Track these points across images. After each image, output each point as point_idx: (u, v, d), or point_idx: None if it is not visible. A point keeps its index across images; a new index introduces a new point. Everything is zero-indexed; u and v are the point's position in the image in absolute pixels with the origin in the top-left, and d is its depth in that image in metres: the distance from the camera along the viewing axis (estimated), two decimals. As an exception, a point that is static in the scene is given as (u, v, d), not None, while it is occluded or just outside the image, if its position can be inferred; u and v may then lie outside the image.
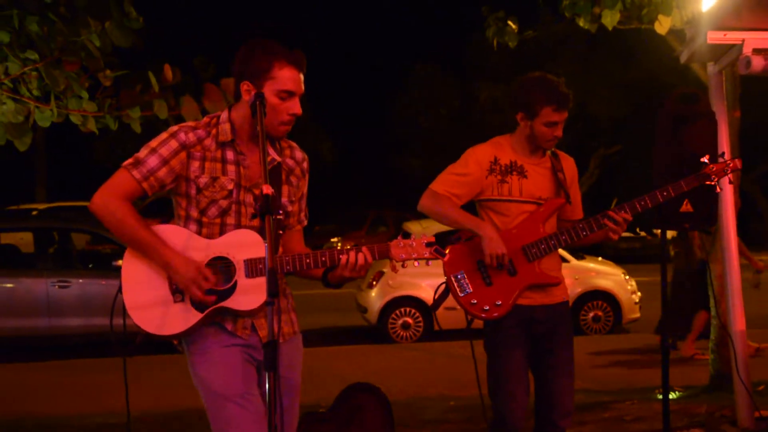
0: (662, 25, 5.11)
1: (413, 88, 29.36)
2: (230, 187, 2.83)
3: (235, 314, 2.81)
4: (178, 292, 2.77)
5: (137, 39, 4.05)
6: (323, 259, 2.81)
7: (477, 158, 3.65)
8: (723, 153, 3.77)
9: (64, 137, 21.08)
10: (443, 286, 3.63)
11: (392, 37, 36.48)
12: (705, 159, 3.62)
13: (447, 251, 2.87)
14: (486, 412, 3.82)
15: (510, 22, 6.25)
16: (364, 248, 2.81)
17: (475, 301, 3.54)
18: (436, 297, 3.66)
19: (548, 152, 3.74)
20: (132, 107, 4.21)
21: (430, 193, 3.65)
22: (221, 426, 2.77)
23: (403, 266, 2.83)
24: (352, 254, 2.79)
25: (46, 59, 3.89)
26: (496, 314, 3.53)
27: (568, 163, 3.81)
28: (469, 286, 3.55)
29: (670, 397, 4.80)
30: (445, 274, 3.59)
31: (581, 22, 5.43)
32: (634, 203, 3.52)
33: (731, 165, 3.63)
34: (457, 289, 3.56)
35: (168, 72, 4.20)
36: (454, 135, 26.22)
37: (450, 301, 3.64)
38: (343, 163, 31.63)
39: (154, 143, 2.82)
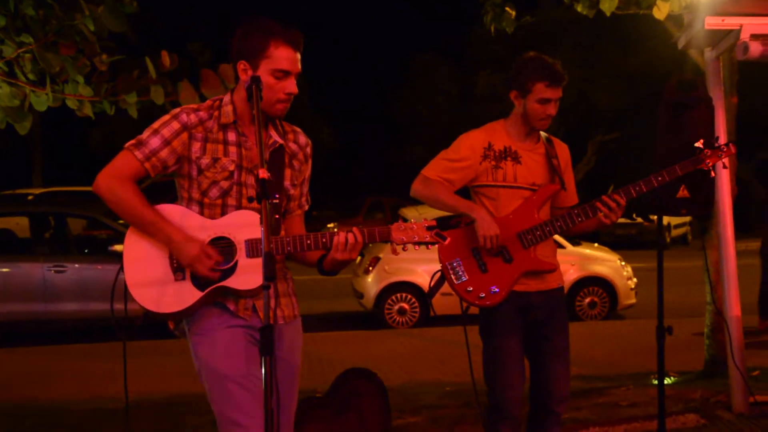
0: (660, 11, 5.09)
1: (414, 78, 29.32)
2: (231, 168, 2.84)
3: (237, 294, 2.82)
4: (179, 270, 2.78)
5: (129, 27, 4.03)
6: (324, 240, 2.82)
7: (470, 144, 3.63)
8: (717, 138, 3.76)
9: (61, 122, 21.04)
10: (439, 273, 3.62)
11: (392, 27, 36.45)
12: (699, 144, 3.62)
13: (447, 235, 2.87)
14: (479, 399, 3.83)
15: (507, 8, 6.22)
16: (354, 228, 2.80)
17: (471, 289, 3.53)
18: (432, 285, 3.65)
19: (542, 138, 3.72)
20: (129, 92, 4.19)
21: (422, 178, 3.64)
22: (223, 406, 2.78)
23: (403, 249, 2.83)
24: (342, 234, 2.79)
25: (40, 42, 3.87)
26: (492, 301, 3.52)
27: (563, 150, 3.80)
28: (465, 273, 3.54)
29: (666, 382, 4.81)
30: (441, 261, 3.58)
31: (579, 8, 5.41)
32: (628, 188, 3.52)
33: (725, 150, 3.63)
34: (453, 277, 3.55)
35: (165, 58, 4.18)
36: (454, 124, 26.17)
37: (446, 286, 3.64)
38: (342, 149, 31.65)
39: (156, 124, 2.84)
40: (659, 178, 3.54)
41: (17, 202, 15.38)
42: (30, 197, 16.80)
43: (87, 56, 4.07)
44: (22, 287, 9.16)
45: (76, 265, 9.30)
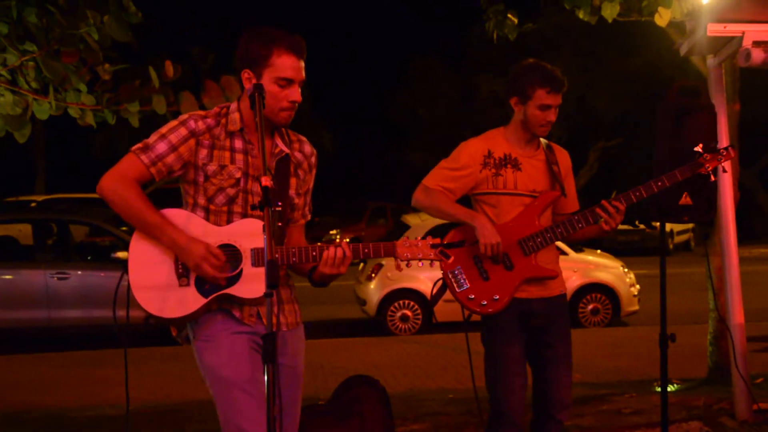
0: (662, 18, 5.09)
1: (413, 81, 29.31)
2: (238, 175, 2.85)
3: (241, 302, 2.82)
4: (183, 276, 2.78)
5: (133, 38, 4.03)
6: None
7: (470, 152, 3.64)
8: (717, 142, 3.75)
9: (64, 130, 21.06)
10: (440, 281, 3.63)
11: (392, 30, 36.51)
12: (698, 148, 3.61)
13: (451, 254, 2.89)
14: (480, 406, 3.83)
15: (509, 15, 6.22)
16: (343, 243, 2.82)
17: (473, 296, 3.53)
18: (434, 293, 3.65)
19: (542, 145, 3.73)
20: (131, 101, 4.20)
21: (423, 188, 3.65)
22: (228, 412, 2.78)
23: (407, 266, 2.84)
24: (331, 249, 2.79)
25: (43, 50, 3.87)
26: (493, 309, 3.52)
27: (563, 156, 3.80)
28: (466, 281, 3.54)
29: (669, 389, 4.81)
30: (442, 269, 3.58)
31: (581, 15, 5.41)
32: (629, 194, 3.52)
33: (725, 153, 3.62)
34: (455, 285, 3.55)
35: (169, 68, 4.19)
36: (455, 128, 26.19)
37: (449, 294, 3.64)
38: (343, 155, 31.66)
39: (163, 130, 2.85)
40: (659, 183, 3.55)
41: (20, 209, 15.40)
42: (33, 204, 16.84)
43: (90, 65, 4.08)
44: (25, 294, 9.17)
45: (79, 272, 9.31)
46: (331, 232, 22.03)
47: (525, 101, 3.58)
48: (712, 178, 3.64)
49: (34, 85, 4.01)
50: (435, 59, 29.23)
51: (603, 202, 3.51)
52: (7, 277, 9.29)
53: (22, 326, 9.10)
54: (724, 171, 3.80)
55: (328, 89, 29.92)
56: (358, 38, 35.94)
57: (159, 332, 7.74)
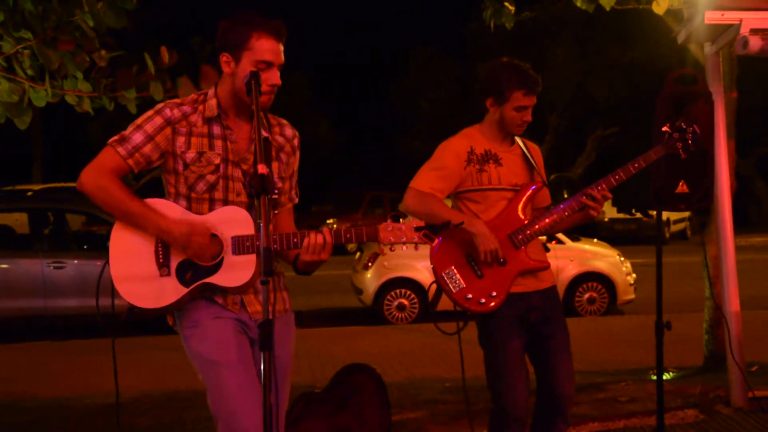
0: (660, 5, 5.07)
1: (412, 70, 29.25)
2: (217, 161, 2.83)
3: (224, 290, 2.82)
4: (164, 266, 2.77)
5: (129, 22, 4.02)
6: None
7: (453, 150, 3.63)
8: (681, 120, 3.69)
9: (60, 118, 20.99)
10: (435, 286, 3.61)
11: (393, 19, 36.42)
12: (666, 128, 3.62)
13: (437, 238, 2.84)
14: (468, 396, 3.83)
15: (506, 4, 6.20)
16: (324, 229, 2.78)
17: (470, 296, 3.52)
18: (431, 299, 3.65)
19: (516, 140, 3.73)
20: (128, 88, 4.19)
21: (414, 193, 3.61)
22: (217, 394, 2.77)
23: (391, 249, 2.82)
24: (312, 235, 2.76)
25: (39, 37, 3.86)
26: (492, 305, 3.51)
27: (535, 150, 3.82)
28: (462, 281, 3.53)
29: (665, 377, 4.83)
30: (435, 272, 3.57)
31: (579, 2, 5.40)
32: (609, 178, 3.54)
33: (690, 130, 3.60)
34: (450, 287, 3.54)
35: (164, 54, 4.17)
36: (454, 117, 26.16)
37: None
38: (342, 143, 31.62)
39: (139, 120, 2.84)
40: (636, 165, 3.56)
41: (16, 198, 15.38)
42: (29, 193, 16.81)
43: (86, 52, 4.07)
44: (22, 283, 9.16)
45: (75, 261, 9.30)
46: (327, 221, 21.99)
47: (501, 103, 3.58)
48: (683, 155, 3.62)
49: (30, 72, 3.99)
50: (434, 48, 29.19)
51: (588, 190, 3.51)
52: (4, 266, 9.27)
53: (18, 315, 9.09)
54: (694, 149, 3.74)
55: (327, 78, 29.83)
56: (358, 27, 35.88)
57: (155, 321, 7.76)
